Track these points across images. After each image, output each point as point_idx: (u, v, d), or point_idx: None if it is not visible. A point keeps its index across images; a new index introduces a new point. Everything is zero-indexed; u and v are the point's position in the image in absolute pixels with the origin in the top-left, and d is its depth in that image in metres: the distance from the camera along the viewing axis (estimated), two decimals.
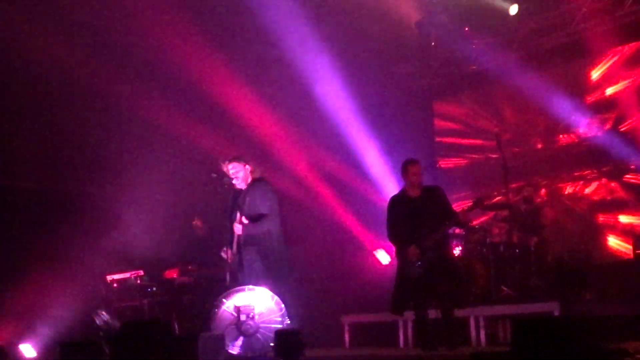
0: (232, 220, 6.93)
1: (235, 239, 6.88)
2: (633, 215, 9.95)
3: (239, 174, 6.98)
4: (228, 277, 6.96)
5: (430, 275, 6.58)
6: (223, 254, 6.92)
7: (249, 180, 7.00)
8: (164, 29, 9.31)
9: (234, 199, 7.03)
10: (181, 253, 8.83)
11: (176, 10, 9.35)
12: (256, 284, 6.68)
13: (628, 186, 10.08)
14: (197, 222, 8.95)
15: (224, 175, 7.08)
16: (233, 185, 7.05)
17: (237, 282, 6.87)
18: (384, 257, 11.33)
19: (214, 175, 7.17)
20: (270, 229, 6.86)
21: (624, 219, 10.08)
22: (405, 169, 6.94)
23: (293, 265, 7.06)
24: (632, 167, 9.98)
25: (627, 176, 10.07)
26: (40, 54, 8.87)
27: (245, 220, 6.81)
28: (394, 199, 6.97)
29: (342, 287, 10.69)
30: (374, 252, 11.32)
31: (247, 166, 7.00)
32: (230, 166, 6.99)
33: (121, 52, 9.47)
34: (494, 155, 10.27)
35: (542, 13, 10.60)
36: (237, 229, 6.81)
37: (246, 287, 6.64)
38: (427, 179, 10.54)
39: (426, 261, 6.59)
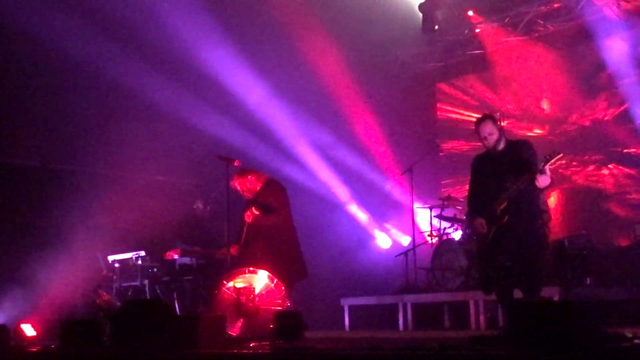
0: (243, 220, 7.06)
1: (245, 231, 6.98)
2: (635, 200, 9.94)
3: (244, 187, 7.14)
4: (229, 258, 7.02)
5: (497, 246, 5.73)
6: (232, 250, 7.03)
7: (258, 187, 7.10)
8: (167, 8, 9.28)
9: (248, 202, 7.14)
10: (183, 234, 8.85)
11: None
12: (257, 266, 6.72)
13: (633, 173, 10.05)
14: (198, 205, 9.00)
15: (227, 157, 7.18)
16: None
17: (238, 264, 6.91)
18: (384, 240, 11.36)
19: (216, 157, 7.26)
20: (277, 223, 6.95)
21: (626, 203, 10.07)
22: (475, 132, 6.03)
23: (303, 260, 7.11)
24: (638, 152, 9.95)
25: (631, 162, 10.03)
26: (40, 33, 8.82)
27: (255, 211, 6.89)
28: (476, 158, 6.17)
29: (343, 270, 10.73)
30: (375, 236, 11.35)
31: (249, 177, 7.10)
32: (236, 183, 7.12)
33: (121, 31, 9.41)
34: None
35: None
36: (247, 216, 6.90)
37: (247, 268, 6.68)
38: (428, 163, 10.64)
39: (495, 228, 5.72)
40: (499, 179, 5.79)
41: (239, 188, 7.15)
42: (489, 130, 5.90)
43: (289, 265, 6.93)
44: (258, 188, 7.11)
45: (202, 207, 9.22)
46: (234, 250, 7.07)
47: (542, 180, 5.64)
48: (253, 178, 7.12)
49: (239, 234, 7.06)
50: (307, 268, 7.16)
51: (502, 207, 5.71)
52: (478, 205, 5.95)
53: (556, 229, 9.54)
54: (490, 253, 5.82)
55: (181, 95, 9.97)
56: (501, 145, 5.94)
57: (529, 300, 6.02)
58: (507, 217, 5.71)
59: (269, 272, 6.68)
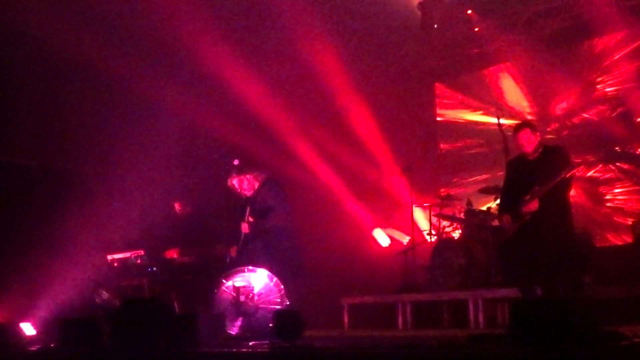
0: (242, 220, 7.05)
1: (242, 237, 6.99)
2: (634, 199, 9.94)
3: (242, 185, 7.12)
4: (228, 257, 7.03)
5: (518, 242, 6.00)
6: (232, 252, 7.04)
7: (256, 185, 7.11)
8: (164, 5, 9.27)
9: (246, 201, 7.14)
10: (181, 233, 8.85)
11: None
12: (256, 265, 6.73)
13: (631, 171, 10.05)
14: (176, 205, 9.00)
15: (226, 156, 7.18)
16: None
17: (237, 262, 6.92)
18: (382, 238, 11.36)
19: (215, 156, 7.27)
20: (278, 223, 6.96)
21: (625, 202, 10.07)
22: (513, 137, 6.24)
23: (301, 260, 7.13)
24: (638, 152, 9.95)
25: (631, 160, 10.02)
26: (41, 32, 8.83)
27: (250, 219, 6.91)
28: (510, 162, 6.39)
29: (342, 269, 10.73)
30: (373, 234, 11.34)
31: (248, 176, 7.11)
32: (234, 182, 7.12)
33: (120, 30, 9.41)
34: (496, 138, 10.23)
35: None
36: (244, 227, 6.92)
37: (246, 267, 6.68)
38: (427, 162, 10.63)
39: (517, 226, 5.98)
40: (529, 184, 5.93)
41: (237, 187, 7.16)
42: (527, 139, 6.09)
43: (288, 264, 6.94)
44: (256, 187, 7.12)
45: (179, 207, 9.20)
46: (233, 251, 7.09)
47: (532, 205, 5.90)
48: (251, 177, 7.14)
49: (238, 234, 7.06)
50: (305, 268, 7.16)
51: (526, 208, 5.92)
52: (507, 204, 6.22)
53: None
54: (510, 248, 6.12)
55: (181, 94, 9.97)
56: (537, 153, 6.13)
57: (527, 299, 6.04)
58: (529, 216, 5.92)
59: (268, 270, 6.69)
